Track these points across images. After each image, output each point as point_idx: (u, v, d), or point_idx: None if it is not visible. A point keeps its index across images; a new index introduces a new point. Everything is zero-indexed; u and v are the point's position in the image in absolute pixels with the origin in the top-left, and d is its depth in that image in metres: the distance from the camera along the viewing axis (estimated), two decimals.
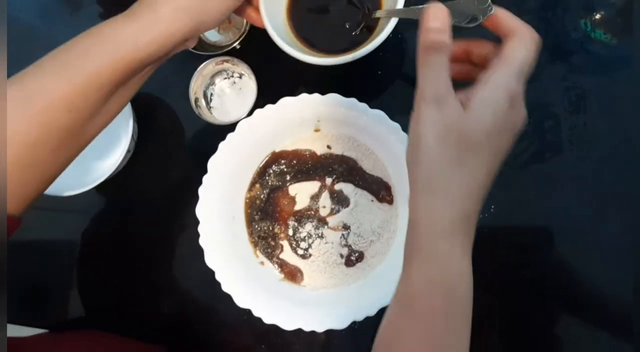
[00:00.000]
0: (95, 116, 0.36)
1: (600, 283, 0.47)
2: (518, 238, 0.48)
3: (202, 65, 0.50)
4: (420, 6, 0.42)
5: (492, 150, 0.30)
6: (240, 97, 0.53)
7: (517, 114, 0.31)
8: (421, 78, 0.31)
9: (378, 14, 0.46)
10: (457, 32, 0.43)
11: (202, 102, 0.52)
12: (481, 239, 0.47)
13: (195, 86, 0.51)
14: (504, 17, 0.34)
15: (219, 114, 0.53)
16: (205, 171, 0.45)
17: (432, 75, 0.31)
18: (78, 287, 0.53)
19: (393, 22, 0.44)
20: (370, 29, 0.48)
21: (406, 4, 0.44)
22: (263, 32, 0.52)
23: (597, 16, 0.50)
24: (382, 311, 0.41)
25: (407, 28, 0.51)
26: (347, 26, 0.49)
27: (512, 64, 0.31)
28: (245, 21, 0.54)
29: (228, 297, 0.42)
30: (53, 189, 0.48)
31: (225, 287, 0.42)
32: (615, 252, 0.47)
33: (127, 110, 0.49)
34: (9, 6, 0.61)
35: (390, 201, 0.46)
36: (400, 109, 0.49)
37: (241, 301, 0.42)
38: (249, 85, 0.52)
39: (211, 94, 0.53)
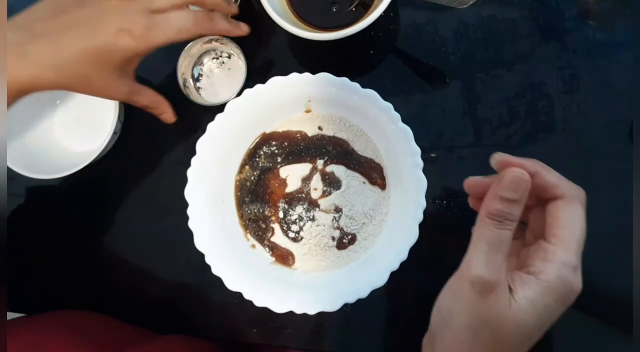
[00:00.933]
0: None
1: (597, 269, 0.47)
2: None
3: (189, 45, 0.49)
4: None
5: (530, 344, 0.28)
6: (230, 77, 0.51)
7: (570, 296, 0.27)
8: (473, 249, 0.28)
9: None
10: (446, 22, 0.43)
11: (190, 82, 0.51)
12: (474, 220, 0.47)
13: (183, 66, 0.50)
14: (549, 178, 0.30)
15: (207, 95, 0.51)
16: (194, 153, 0.44)
17: (487, 253, 0.27)
18: (66, 271, 0.52)
19: (387, 0, 0.43)
20: (365, 7, 0.48)
21: None
22: (252, 10, 0.51)
23: None
24: (373, 293, 0.41)
25: (400, 9, 0.50)
26: (343, 2, 0.48)
27: (570, 246, 0.28)
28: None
29: (218, 281, 0.42)
30: (36, 172, 0.47)
31: (216, 270, 0.42)
32: (610, 234, 0.46)
33: None
34: None
35: (382, 185, 0.46)
36: (393, 90, 0.49)
37: (231, 284, 0.41)
38: (238, 65, 0.51)
39: (199, 75, 0.52)
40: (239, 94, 0.45)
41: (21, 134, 0.49)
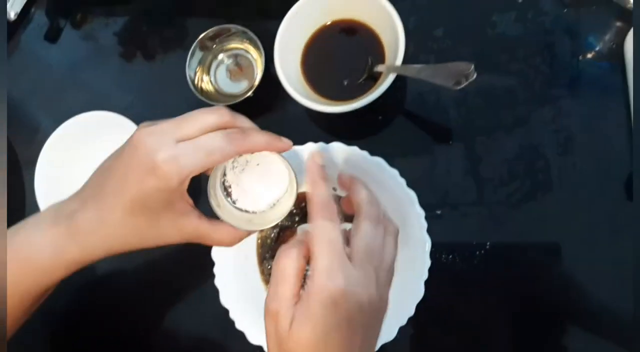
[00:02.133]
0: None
1: (598, 314, 0.49)
2: (514, 273, 0.51)
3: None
4: (417, 66, 0.46)
5: None
6: (264, 175, 0.41)
7: (337, 297, 0.32)
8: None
9: (380, 68, 0.51)
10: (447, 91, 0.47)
11: (226, 203, 0.41)
12: (478, 274, 0.50)
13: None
14: (353, 190, 0.40)
15: (247, 204, 0.41)
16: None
17: (274, 285, 0.35)
18: (84, 323, 0.56)
19: (392, 76, 0.48)
20: (373, 79, 0.53)
21: (405, 61, 0.48)
22: (273, 80, 0.56)
23: (588, 57, 0.53)
24: (384, 347, 0.44)
25: (405, 78, 0.55)
26: (354, 76, 0.53)
27: (328, 255, 0.33)
28: (255, 70, 0.58)
29: (241, 335, 0.46)
30: None
31: (239, 325, 0.46)
32: (609, 287, 0.49)
33: None
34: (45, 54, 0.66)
35: None
36: (400, 152, 0.53)
37: (253, 339, 0.45)
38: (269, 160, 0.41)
39: (228, 187, 0.41)
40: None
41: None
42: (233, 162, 0.40)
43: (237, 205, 0.40)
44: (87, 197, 0.37)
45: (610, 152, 0.51)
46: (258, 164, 0.41)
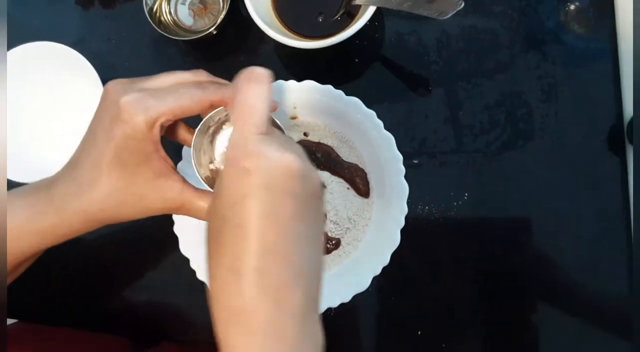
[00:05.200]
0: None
1: (579, 269, 0.48)
2: (492, 226, 0.49)
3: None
4: None
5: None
6: None
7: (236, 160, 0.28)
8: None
9: (358, 0, 0.46)
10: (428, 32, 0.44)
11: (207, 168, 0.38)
12: (455, 226, 0.49)
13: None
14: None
15: None
16: (180, 159, 0.45)
17: None
18: (49, 276, 0.52)
19: (371, 9, 0.44)
20: (350, 16, 0.49)
21: None
22: (240, 18, 0.51)
23: (572, 6, 0.51)
24: (356, 297, 0.42)
25: (384, 17, 0.52)
26: (329, 11, 0.49)
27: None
28: (222, 6, 0.53)
29: (202, 284, 0.42)
30: (28, 175, 0.48)
31: (200, 275, 0.42)
32: (589, 237, 0.48)
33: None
34: None
35: (366, 191, 0.46)
36: (377, 97, 0.50)
37: None
38: None
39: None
40: None
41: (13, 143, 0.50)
42: (219, 124, 0.37)
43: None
44: (67, 164, 0.34)
45: (594, 102, 0.49)
46: None
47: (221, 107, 0.35)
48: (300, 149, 0.30)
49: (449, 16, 0.39)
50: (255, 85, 0.30)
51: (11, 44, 0.50)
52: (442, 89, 0.50)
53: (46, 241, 0.34)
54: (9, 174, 0.47)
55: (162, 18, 0.52)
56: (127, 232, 0.52)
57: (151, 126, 0.31)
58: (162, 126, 0.32)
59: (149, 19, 0.49)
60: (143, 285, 0.51)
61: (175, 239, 0.43)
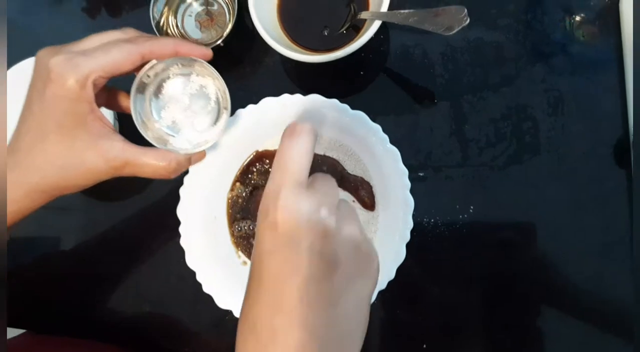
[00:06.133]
0: None
1: (585, 281, 0.48)
2: (498, 237, 0.49)
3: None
4: (405, 11, 0.43)
5: None
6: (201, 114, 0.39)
7: None
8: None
9: (364, 15, 0.47)
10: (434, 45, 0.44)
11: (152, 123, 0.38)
12: (462, 240, 0.48)
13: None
14: None
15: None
16: (186, 172, 0.45)
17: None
18: (55, 285, 0.52)
19: (377, 24, 0.44)
20: (356, 29, 0.49)
21: (390, 8, 0.44)
22: (246, 30, 0.52)
23: (577, 18, 0.51)
24: None
25: (389, 31, 0.52)
26: (334, 25, 0.49)
27: None
28: (228, 19, 0.54)
29: (209, 299, 0.42)
30: None
31: (206, 288, 0.42)
32: (595, 250, 0.48)
33: (109, 112, 0.48)
34: None
35: (371, 204, 0.46)
36: (382, 110, 0.50)
37: (222, 302, 0.42)
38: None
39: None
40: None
41: None
42: (158, 81, 0.37)
43: (169, 128, 0.38)
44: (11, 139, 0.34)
45: (600, 115, 0.49)
46: (186, 82, 0.38)
47: (154, 61, 0.35)
48: (347, 208, 0.29)
49: (454, 32, 0.39)
50: (296, 137, 0.29)
51: (16, 57, 0.51)
52: (448, 102, 0.50)
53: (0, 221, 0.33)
54: None
55: (169, 31, 0.52)
56: (132, 242, 0.52)
57: (83, 84, 0.31)
58: (95, 85, 0.32)
59: (156, 32, 0.49)
60: (146, 296, 0.51)
61: (181, 251, 0.43)
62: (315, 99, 0.44)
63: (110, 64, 0.32)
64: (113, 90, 0.38)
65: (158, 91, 0.37)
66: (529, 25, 0.50)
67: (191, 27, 0.54)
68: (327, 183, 0.30)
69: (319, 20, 0.50)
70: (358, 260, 0.28)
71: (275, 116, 0.46)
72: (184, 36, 0.53)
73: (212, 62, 0.54)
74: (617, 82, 0.49)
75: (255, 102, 0.45)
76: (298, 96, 0.45)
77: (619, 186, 0.48)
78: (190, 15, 0.55)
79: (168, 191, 0.47)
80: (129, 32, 0.36)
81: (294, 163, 0.28)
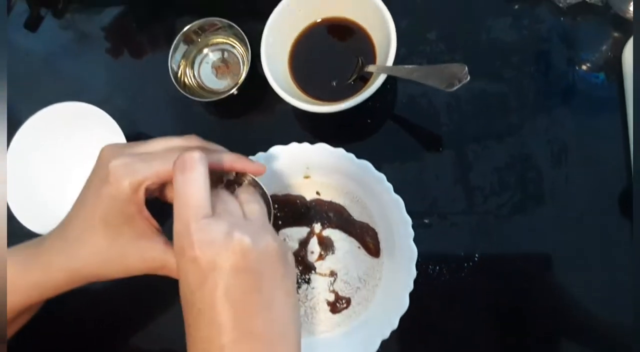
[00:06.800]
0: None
1: (587, 329, 0.47)
2: (503, 289, 0.48)
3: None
4: (409, 66, 0.44)
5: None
6: None
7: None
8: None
9: (370, 68, 0.49)
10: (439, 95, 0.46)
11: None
12: (466, 288, 0.48)
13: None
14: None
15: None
16: None
17: None
18: (69, 324, 0.53)
19: (382, 77, 0.46)
20: (363, 80, 0.51)
21: (396, 60, 0.46)
22: (259, 79, 0.54)
23: (581, 71, 0.52)
24: None
25: (396, 81, 0.54)
26: (343, 76, 0.51)
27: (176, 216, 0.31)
28: (242, 68, 0.56)
29: None
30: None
31: None
32: (601, 299, 0.47)
33: None
34: (23, 42, 0.64)
35: (376, 251, 0.47)
36: (388, 157, 0.52)
37: None
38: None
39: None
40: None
41: (37, 195, 0.53)
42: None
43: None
44: (59, 224, 0.36)
45: (604, 165, 0.49)
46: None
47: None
48: (254, 216, 0.33)
49: (455, 88, 0.40)
50: (187, 172, 0.30)
51: (43, 102, 0.54)
52: (453, 150, 0.51)
53: (33, 296, 0.36)
54: (38, 229, 0.50)
55: (187, 81, 0.55)
56: (143, 281, 0.53)
57: (136, 189, 0.33)
58: (147, 189, 0.34)
59: (175, 83, 0.52)
60: (157, 333, 0.52)
61: None
62: (322, 147, 0.46)
63: (166, 173, 0.34)
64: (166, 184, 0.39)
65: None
66: (532, 77, 0.52)
67: (207, 75, 0.57)
68: (227, 203, 0.32)
69: (328, 72, 0.52)
70: (277, 263, 0.31)
71: (283, 163, 0.48)
72: (200, 86, 0.56)
73: (227, 108, 0.57)
74: (620, 132, 0.50)
75: (265, 149, 0.47)
76: (305, 145, 0.46)
77: (624, 235, 0.48)
78: (207, 63, 0.58)
79: None
80: (192, 141, 0.37)
81: (194, 198, 0.30)
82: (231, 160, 0.37)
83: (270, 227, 0.34)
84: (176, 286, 0.52)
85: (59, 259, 0.35)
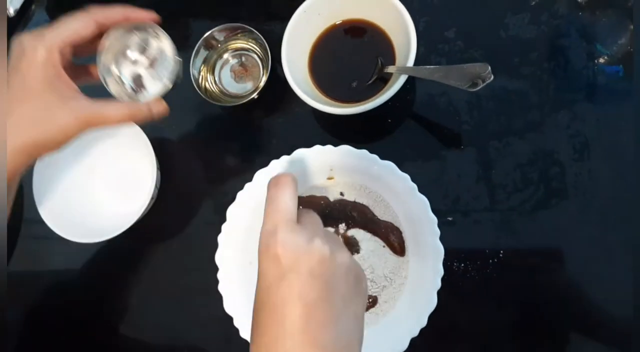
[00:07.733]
0: None
1: (613, 325, 0.48)
2: (529, 285, 0.49)
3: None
4: (430, 66, 0.45)
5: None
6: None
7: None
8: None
9: (390, 69, 0.49)
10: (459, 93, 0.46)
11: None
12: (492, 285, 0.49)
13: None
14: None
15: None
16: (223, 214, 0.47)
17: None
18: (96, 331, 0.55)
19: (403, 78, 0.46)
20: (383, 80, 0.51)
21: (416, 61, 0.47)
22: (279, 82, 0.55)
23: (600, 66, 0.52)
24: None
25: (415, 80, 0.54)
26: (363, 78, 0.52)
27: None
28: (262, 71, 0.57)
29: (245, 343, 0.44)
30: (82, 235, 0.51)
31: (243, 334, 0.44)
32: (627, 296, 0.47)
33: (151, 159, 0.51)
34: None
35: (401, 250, 0.48)
36: (410, 156, 0.52)
37: None
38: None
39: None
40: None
41: (63, 198, 0.54)
42: (116, 52, 0.42)
43: (128, 83, 0.43)
44: None
45: (627, 159, 0.49)
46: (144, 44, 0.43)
47: (111, 29, 0.41)
48: (332, 237, 0.34)
49: (478, 88, 0.41)
50: (280, 186, 0.34)
51: None
52: (474, 148, 0.52)
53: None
54: (76, 238, 0.51)
55: (208, 87, 0.56)
56: (145, 279, 0.54)
57: (50, 50, 0.37)
58: (62, 54, 0.38)
59: (197, 89, 0.53)
60: (184, 339, 0.53)
61: (219, 298, 0.45)
62: (345, 149, 0.47)
63: (71, 31, 0.38)
64: (84, 66, 0.44)
65: (120, 55, 0.43)
66: (552, 73, 0.52)
67: (227, 78, 0.58)
68: (313, 218, 0.34)
69: (347, 73, 0.52)
70: (351, 281, 0.32)
71: (307, 165, 0.48)
72: (222, 92, 0.57)
73: (248, 112, 0.58)
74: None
75: (288, 151, 0.48)
76: (329, 147, 0.47)
77: None
78: (227, 68, 0.58)
79: (205, 237, 0.49)
80: (90, 8, 0.41)
81: (285, 205, 0.32)
82: (123, 10, 0.41)
83: (345, 247, 0.35)
84: (179, 283, 0.54)
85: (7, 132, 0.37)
